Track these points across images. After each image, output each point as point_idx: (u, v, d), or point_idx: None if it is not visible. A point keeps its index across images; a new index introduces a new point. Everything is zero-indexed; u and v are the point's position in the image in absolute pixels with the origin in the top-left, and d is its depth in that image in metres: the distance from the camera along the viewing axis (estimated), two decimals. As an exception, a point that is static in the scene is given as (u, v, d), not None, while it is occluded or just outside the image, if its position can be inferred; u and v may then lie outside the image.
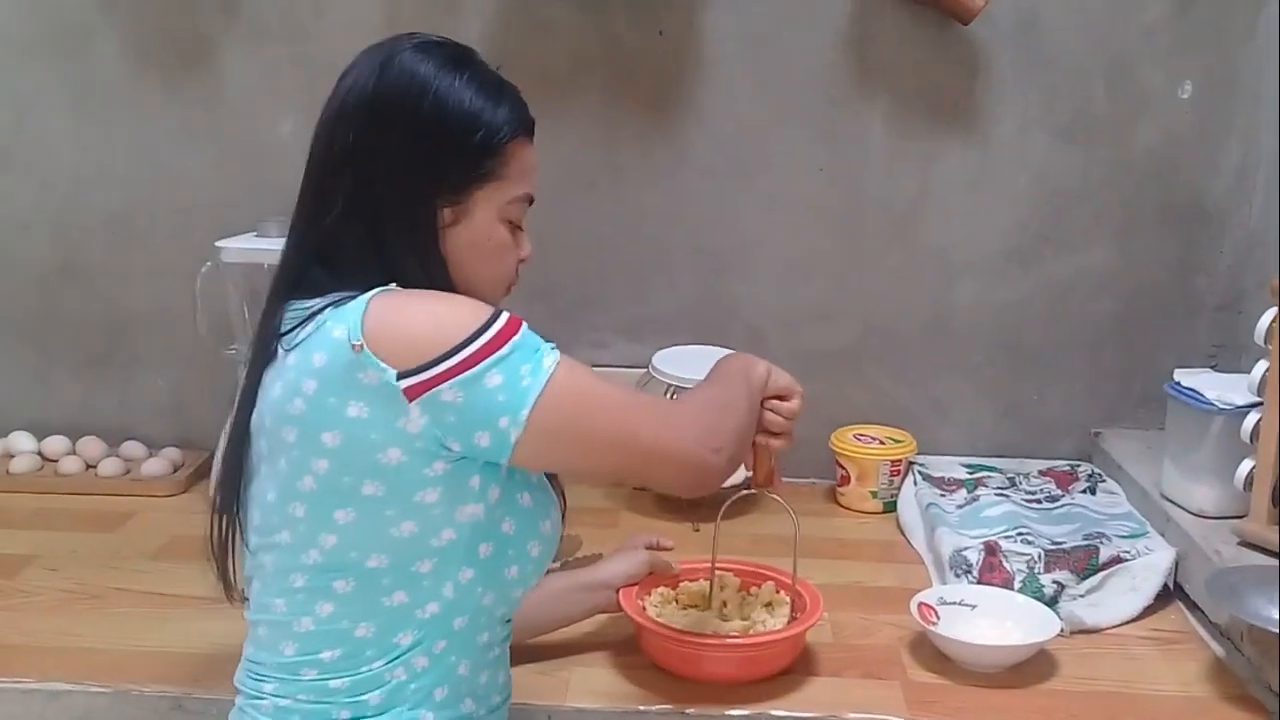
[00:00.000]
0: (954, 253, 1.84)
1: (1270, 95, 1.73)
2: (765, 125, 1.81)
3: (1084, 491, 1.71)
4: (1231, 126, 1.78)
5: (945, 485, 1.73)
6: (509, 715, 1.16)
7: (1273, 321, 1.40)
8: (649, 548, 1.43)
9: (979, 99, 1.79)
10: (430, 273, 1.06)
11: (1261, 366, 1.42)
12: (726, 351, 1.77)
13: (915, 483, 1.75)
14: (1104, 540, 1.52)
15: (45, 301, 1.90)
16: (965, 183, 1.82)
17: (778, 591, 1.38)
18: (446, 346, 0.97)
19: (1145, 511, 1.62)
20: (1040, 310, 1.85)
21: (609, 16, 1.77)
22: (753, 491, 1.35)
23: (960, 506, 1.65)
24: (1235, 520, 1.48)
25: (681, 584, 1.41)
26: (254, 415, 1.06)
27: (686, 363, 1.76)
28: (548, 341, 1.02)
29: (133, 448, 1.86)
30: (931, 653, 1.35)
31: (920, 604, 1.37)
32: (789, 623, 1.33)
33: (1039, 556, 1.47)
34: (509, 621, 1.14)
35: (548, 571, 1.43)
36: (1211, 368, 1.71)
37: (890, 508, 1.76)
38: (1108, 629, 1.43)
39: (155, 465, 1.82)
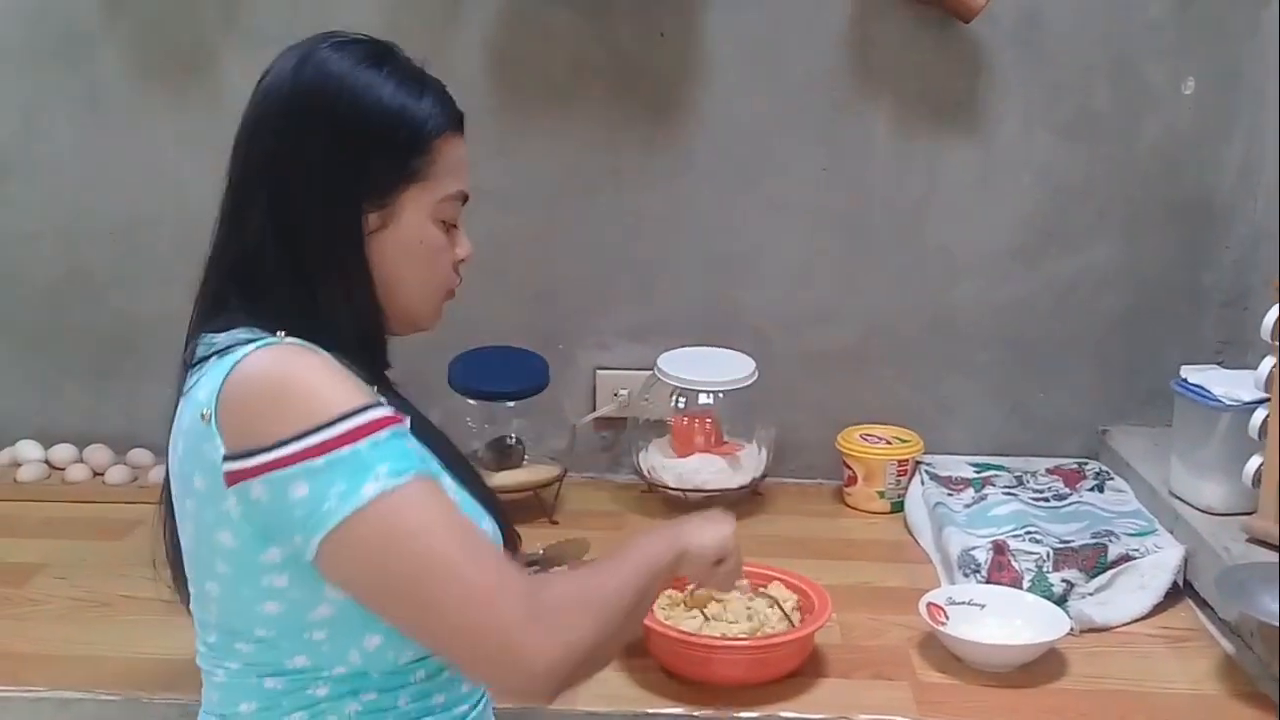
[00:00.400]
0: (958, 252, 1.84)
1: (1273, 91, 1.73)
2: (768, 127, 1.80)
3: (1092, 489, 1.71)
4: (1235, 122, 1.77)
5: (952, 484, 1.73)
6: (512, 717, 1.14)
7: (1279, 318, 1.39)
8: None
9: (981, 98, 1.78)
10: (351, 288, 1.01)
11: (1268, 362, 1.42)
12: (732, 353, 1.79)
13: (922, 482, 1.75)
14: (1112, 538, 1.51)
15: (51, 310, 1.90)
16: (969, 182, 1.81)
17: (787, 591, 1.38)
18: (273, 437, 0.89)
19: (1153, 509, 1.62)
20: (1045, 308, 1.85)
21: (610, 20, 1.77)
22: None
23: (968, 506, 1.65)
24: (1244, 517, 1.47)
25: (688, 586, 1.41)
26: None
27: (692, 364, 1.77)
28: (410, 463, 0.91)
29: (140, 455, 1.86)
30: (941, 653, 1.35)
31: (929, 604, 1.37)
32: (797, 624, 1.32)
33: (1047, 555, 1.47)
34: None
35: (535, 565, 1.43)
36: (1218, 364, 1.71)
37: (898, 508, 1.76)
38: (1117, 627, 1.42)
39: (162, 473, 1.81)
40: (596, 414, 1.88)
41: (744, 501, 1.78)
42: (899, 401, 1.87)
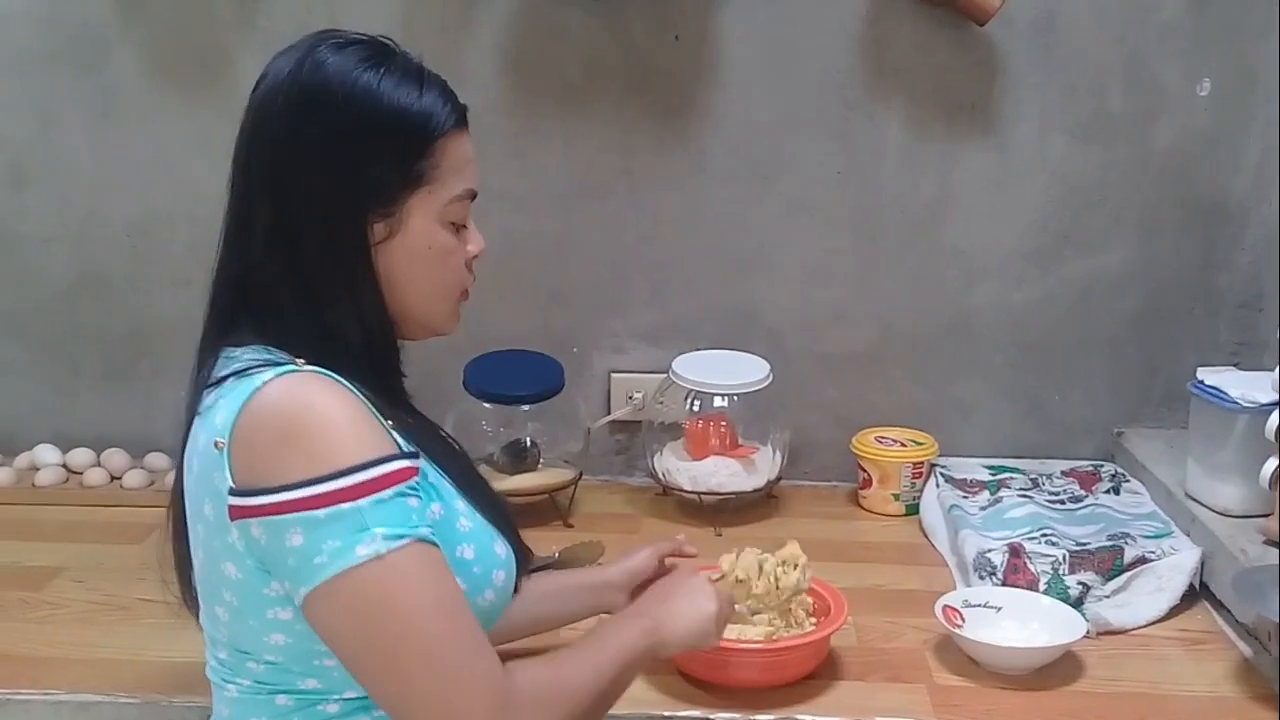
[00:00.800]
0: (973, 254, 1.84)
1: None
2: (782, 129, 1.80)
3: (1107, 492, 1.71)
4: (1251, 123, 1.77)
5: (968, 487, 1.72)
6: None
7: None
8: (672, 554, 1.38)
9: (996, 100, 1.78)
10: (361, 301, 0.99)
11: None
12: (746, 356, 1.79)
13: (937, 485, 1.74)
14: (1129, 540, 1.51)
15: (67, 314, 1.91)
16: (984, 184, 1.81)
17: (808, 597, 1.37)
18: (278, 479, 0.88)
19: (1170, 511, 1.62)
20: (1060, 310, 1.84)
21: (624, 22, 1.78)
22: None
23: (983, 508, 1.65)
24: (1261, 519, 1.47)
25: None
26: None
27: (707, 367, 1.77)
28: (408, 527, 0.89)
29: (157, 459, 1.87)
30: (957, 655, 1.35)
31: (945, 606, 1.37)
32: (813, 627, 1.32)
33: (1063, 558, 1.47)
34: None
35: (550, 568, 1.43)
36: (1234, 366, 1.70)
37: (913, 510, 1.76)
38: (1134, 630, 1.42)
39: (179, 476, 1.82)
40: (611, 417, 1.88)
41: (759, 504, 1.78)
42: (914, 404, 1.87)
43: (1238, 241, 1.81)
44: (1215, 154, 1.78)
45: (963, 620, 1.35)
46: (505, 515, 1.09)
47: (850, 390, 1.86)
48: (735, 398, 1.76)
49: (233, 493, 0.90)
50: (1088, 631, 1.35)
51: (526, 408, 1.75)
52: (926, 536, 1.69)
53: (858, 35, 1.77)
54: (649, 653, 1.07)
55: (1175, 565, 1.47)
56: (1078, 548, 1.50)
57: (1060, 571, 1.45)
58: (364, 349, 1.01)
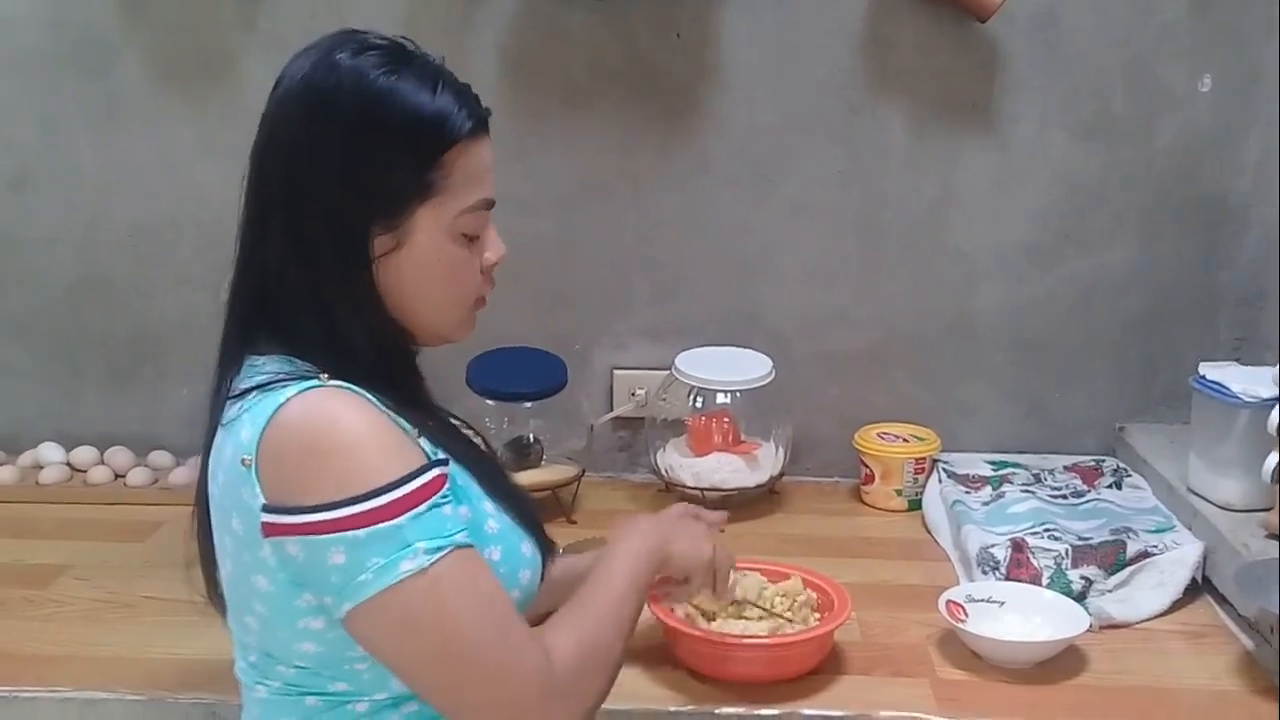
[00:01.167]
0: (975, 253, 1.84)
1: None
2: (784, 129, 1.81)
3: (1110, 487, 1.71)
4: (1252, 122, 1.77)
5: (970, 482, 1.73)
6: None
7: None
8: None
9: (998, 99, 1.79)
10: (365, 313, 0.98)
11: (1285, 358, 1.42)
12: (749, 353, 1.80)
13: (940, 480, 1.75)
14: (1131, 535, 1.51)
15: (71, 315, 1.92)
16: (986, 183, 1.82)
17: (806, 589, 1.38)
18: (313, 497, 0.89)
19: (1172, 506, 1.62)
20: (1062, 308, 1.85)
21: (626, 23, 1.78)
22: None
23: (986, 503, 1.65)
24: (1263, 513, 1.47)
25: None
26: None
27: (710, 364, 1.77)
28: (447, 535, 0.91)
29: (160, 457, 1.88)
30: (960, 650, 1.35)
31: (948, 601, 1.37)
32: (817, 622, 1.33)
33: (1066, 552, 1.47)
34: None
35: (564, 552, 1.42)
36: (1236, 361, 1.70)
37: (915, 506, 1.76)
38: (1136, 624, 1.43)
39: (183, 474, 1.83)
40: (614, 414, 1.89)
41: (761, 500, 1.78)
42: (916, 401, 1.87)
43: (1238, 239, 1.81)
44: (1216, 152, 1.79)
45: (966, 615, 1.36)
46: (531, 513, 1.09)
47: (852, 389, 1.87)
48: (738, 394, 1.77)
49: (266, 509, 0.91)
50: (1090, 626, 1.36)
51: (529, 405, 1.76)
52: (929, 532, 1.69)
53: (860, 36, 1.77)
54: (656, 570, 1.14)
55: (1177, 560, 1.48)
56: (1080, 542, 1.50)
57: (1063, 566, 1.45)
58: (376, 358, 0.99)
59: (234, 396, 0.97)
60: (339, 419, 0.91)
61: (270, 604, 0.96)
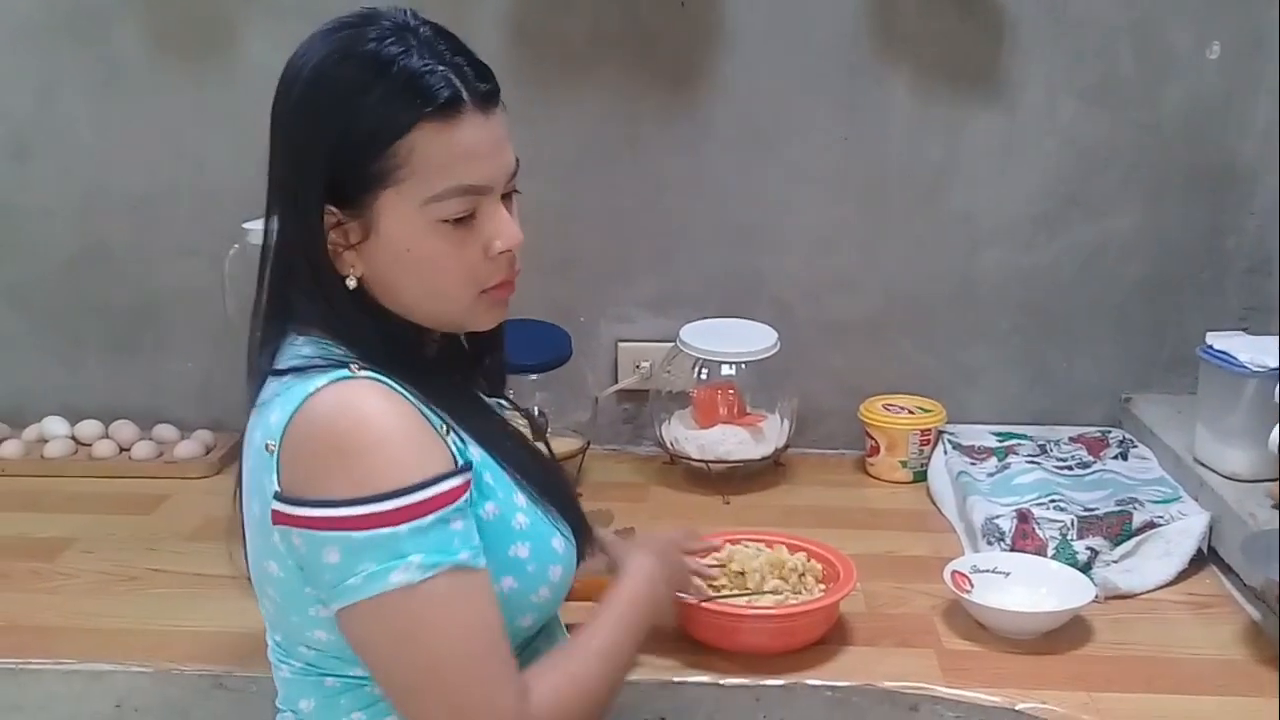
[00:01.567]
0: (980, 219, 1.83)
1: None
2: (788, 95, 1.79)
3: (1115, 457, 1.71)
4: (1260, 87, 1.75)
5: (976, 454, 1.72)
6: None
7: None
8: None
9: (1004, 64, 1.77)
10: (333, 305, 0.96)
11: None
12: (753, 324, 1.79)
13: (945, 451, 1.74)
14: (1137, 505, 1.51)
15: (72, 286, 1.91)
16: (991, 149, 1.80)
17: (809, 560, 1.38)
18: (320, 492, 0.88)
19: (1178, 476, 1.62)
20: (1068, 276, 1.84)
21: (629, -12, 1.76)
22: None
23: (991, 475, 1.65)
24: (1269, 483, 1.47)
25: (712, 557, 1.41)
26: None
27: (714, 335, 1.77)
28: (445, 553, 0.89)
29: (165, 430, 1.87)
30: (966, 621, 1.35)
31: (954, 572, 1.37)
32: (822, 593, 1.33)
33: (1072, 523, 1.47)
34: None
35: None
36: (1243, 330, 1.69)
37: (920, 477, 1.76)
38: (1142, 594, 1.43)
39: (187, 447, 1.83)
40: (619, 386, 1.88)
41: (767, 472, 1.78)
42: (921, 370, 1.86)
43: (1246, 205, 1.79)
44: (1224, 118, 1.77)
45: (971, 585, 1.36)
46: (570, 503, 1.07)
47: (857, 358, 1.86)
48: (743, 366, 1.76)
49: (277, 498, 0.90)
50: (1096, 596, 1.36)
51: (534, 377, 1.75)
52: (934, 503, 1.69)
53: (863, 0, 1.75)
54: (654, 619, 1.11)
55: (1183, 530, 1.47)
56: (1086, 513, 1.50)
57: (1068, 537, 1.45)
58: (393, 346, 0.97)
59: (275, 372, 0.96)
60: (365, 417, 0.90)
61: (281, 590, 0.96)
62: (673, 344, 1.78)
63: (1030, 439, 1.78)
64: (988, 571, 1.39)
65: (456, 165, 0.94)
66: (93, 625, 1.38)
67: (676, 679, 1.26)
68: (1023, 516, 1.49)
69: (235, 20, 1.79)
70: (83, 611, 1.41)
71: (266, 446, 0.91)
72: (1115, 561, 1.45)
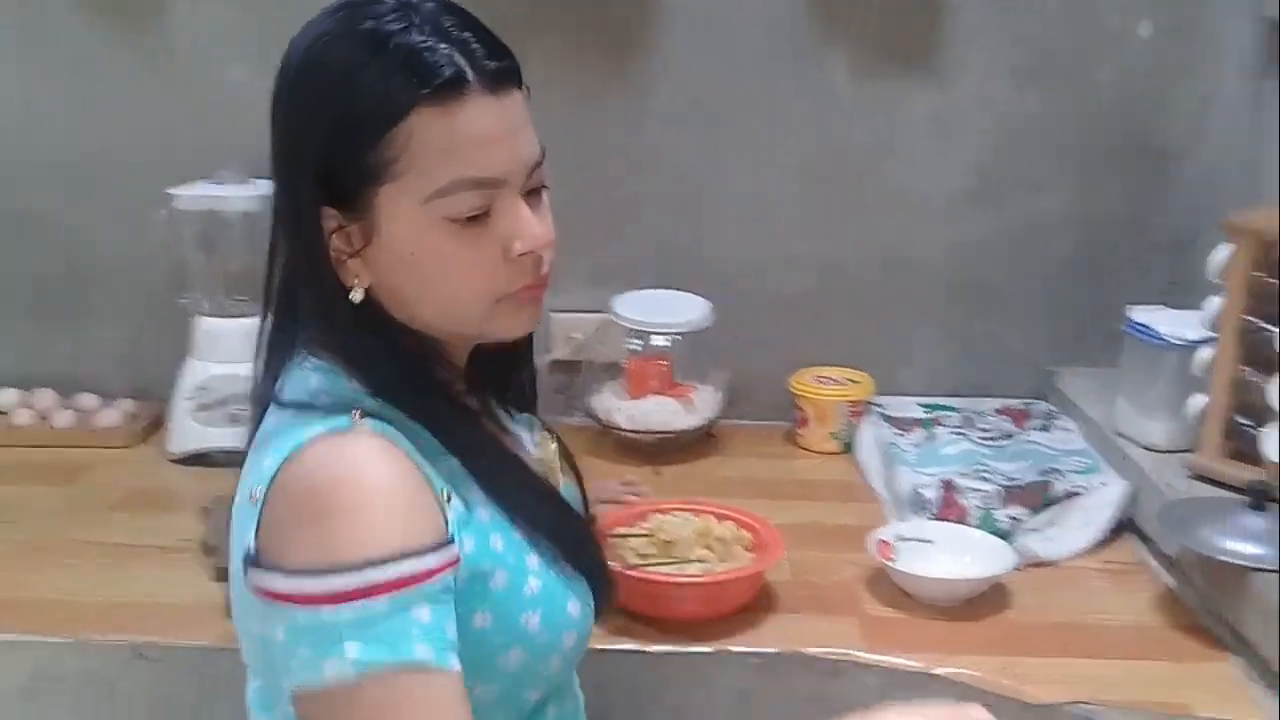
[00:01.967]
0: (915, 196, 1.84)
1: (1226, 34, 1.74)
2: (728, 71, 1.79)
3: (1039, 429, 1.73)
4: (1189, 66, 1.78)
5: (903, 425, 1.74)
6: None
7: (1226, 257, 1.41)
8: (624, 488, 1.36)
9: (940, 43, 1.78)
10: (336, 321, 0.87)
11: (1214, 302, 1.44)
12: (687, 296, 1.79)
13: (874, 423, 1.76)
14: (1058, 476, 1.54)
15: (-6, 252, 1.87)
16: (927, 126, 1.81)
17: (737, 529, 1.38)
18: (283, 559, 0.79)
19: (1099, 448, 1.64)
20: (999, 252, 1.86)
21: (567, -43, 1.75)
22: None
23: (918, 445, 1.66)
24: (1187, 454, 1.50)
25: (640, 527, 1.42)
26: None
27: (647, 307, 1.77)
28: (392, 650, 0.76)
29: (87, 399, 1.84)
30: (890, 588, 1.37)
31: (878, 540, 1.38)
32: (749, 562, 1.34)
33: (994, 493, 1.49)
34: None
35: None
36: (1165, 304, 1.72)
37: (849, 449, 1.77)
38: (1061, 562, 1.45)
39: (110, 416, 1.80)
40: (551, 357, 1.87)
41: (698, 443, 1.79)
42: (853, 344, 1.88)
43: (1174, 183, 1.82)
44: (1154, 96, 1.79)
45: (895, 554, 1.37)
46: (591, 556, 0.97)
47: (791, 330, 1.87)
48: (676, 337, 1.76)
49: (248, 556, 0.82)
50: (1016, 564, 1.37)
51: (465, 348, 1.74)
52: (862, 474, 1.71)
53: (802, -25, 1.76)
54: None
55: (1102, 499, 1.50)
56: (1008, 483, 1.52)
57: (991, 506, 1.47)
58: (400, 370, 0.88)
59: (279, 403, 0.87)
60: (343, 478, 0.80)
61: (258, 644, 0.86)
62: (606, 315, 1.78)
63: (957, 411, 1.80)
64: (912, 540, 1.40)
65: (461, 154, 0.83)
66: (10, 595, 1.35)
67: (602, 647, 1.26)
68: (947, 486, 1.51)
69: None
70: (1, 582, 1.38)
71: (252, 496, 0.82)
72: (1035, 530, 1.47)
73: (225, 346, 1.68)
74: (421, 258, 0.85)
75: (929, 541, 1.40)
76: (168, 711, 1.29)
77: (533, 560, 0.91)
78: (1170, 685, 1.21)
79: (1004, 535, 1.44)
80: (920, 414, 1.78)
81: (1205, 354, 1.45)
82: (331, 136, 0.83)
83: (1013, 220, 1.84)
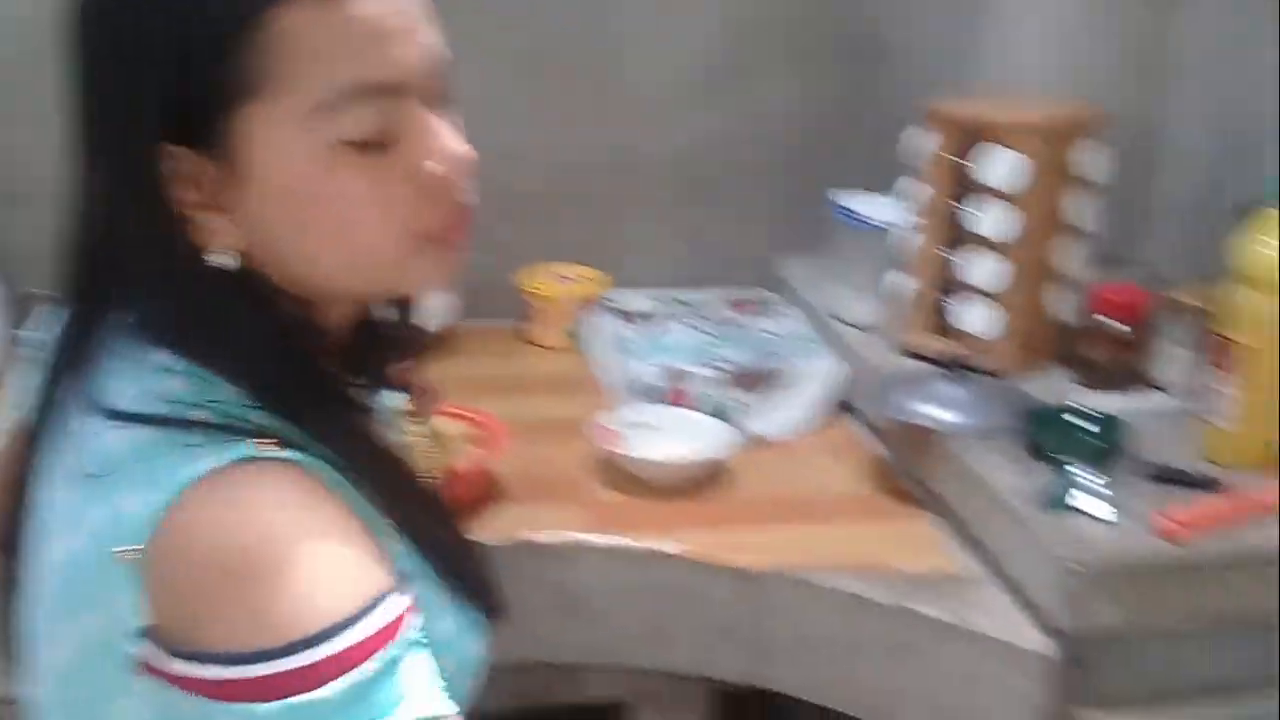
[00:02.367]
0: (640, 91, 1.85)
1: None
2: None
3: (762, 316, 1.79)
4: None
5: (633, 318, 1.77)
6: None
7: (923, 142, 1.48)
8: None
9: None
10: (189, 298, 0.68)
11: (907, 184, 1.51)
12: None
13: (604, 317, 1.78)
14: (778, 359, 1.60)
15: None
16: (650, 21, 1.81)
17: (467, 427, 1.38)
18: (218, 641, 0.62)
19: (818, 331, 1.71)
20: (723, 145, 1.89)
21: None
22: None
23: (646, 336, 1.69)
24: (892, 331, 1.58)
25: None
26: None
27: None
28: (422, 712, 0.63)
29: None
30: (618, 474, 1.39)
31: (604, 428, 1.40)
32: (476, 457, 1.33)
33: (718, 378, 1.54)
34: None
35: None
36: (868, 189, 1.80)
37: (581, 344, 1.78)
38: (781, 438, 1.51)
39: None
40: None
41: (431, 345, 1.75)
42: (584, 240, 1.88)
43: (889, 76, 1.89)
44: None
45: (623, 440, 1.40)
46: (483, 583, 0.81)
47: (520, 228, 1.85)
48: (403, 239, 1.72)
49: (148, 637, 0.64)
50: (739, 443, 1.43)
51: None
52: (593, 368, 1.72)
53: None
54: None
55: (816, 377, 1.57)
56: (732, 368, 1.57)
57: (714, 390, 1.52)
58: (287, 368, 0.70)
59: (123, 416, 0.66)
60: (272, 522, 0.63)
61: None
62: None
63: (686, 303, 1.83)
64: (638, 425, 1.43)
65: (350, 52, 0.65)
66: None
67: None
68: (673, 374, 1.55)
69: None
70: None
71: (119, 554, 0.63)
72: (757, 411, 1.53)
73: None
74: (307, 195, 0.67)
75: (655, 428, 1.44)
76: None
77: (441, 595, 0.76)
78: (874, 544, 1.29)
79: (727, 417, 1.49)
80: (649, 307, 1.81)
81: (900, 234, 1.52)
82: (168, 46, 0.63)
83: (736, 114, 1.88)
